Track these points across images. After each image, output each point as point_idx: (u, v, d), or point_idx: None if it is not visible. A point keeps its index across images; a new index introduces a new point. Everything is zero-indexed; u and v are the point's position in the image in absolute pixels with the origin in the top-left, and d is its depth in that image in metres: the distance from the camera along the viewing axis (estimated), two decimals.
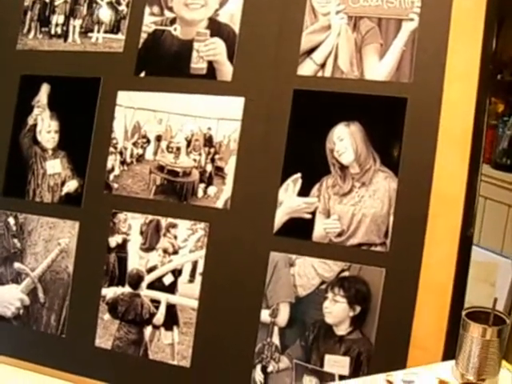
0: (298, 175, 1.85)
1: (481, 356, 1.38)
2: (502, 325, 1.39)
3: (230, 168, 1.92)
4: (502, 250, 2.97)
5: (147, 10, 2.05)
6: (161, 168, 1.99)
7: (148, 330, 1.99)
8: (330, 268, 1.80)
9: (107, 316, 2.03)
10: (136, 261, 2.01)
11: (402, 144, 1.76)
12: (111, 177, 2.04)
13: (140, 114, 2.03)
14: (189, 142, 1.97)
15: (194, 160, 1.96)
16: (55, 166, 2.11)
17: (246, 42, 1.94)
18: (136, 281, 2.00)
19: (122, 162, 2.03)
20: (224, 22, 1.96)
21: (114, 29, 2.09)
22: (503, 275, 2.85)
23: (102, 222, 2.05)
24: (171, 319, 1.97)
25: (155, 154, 2.01)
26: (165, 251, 1.98)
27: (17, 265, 2.14)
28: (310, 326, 1.82)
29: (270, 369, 1.85)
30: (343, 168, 1.81)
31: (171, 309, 1.97)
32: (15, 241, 2.14)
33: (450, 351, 1.59)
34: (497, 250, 2.97)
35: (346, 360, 1.77)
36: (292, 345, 1.84)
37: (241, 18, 1.95)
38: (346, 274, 1.79)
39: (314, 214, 1.83)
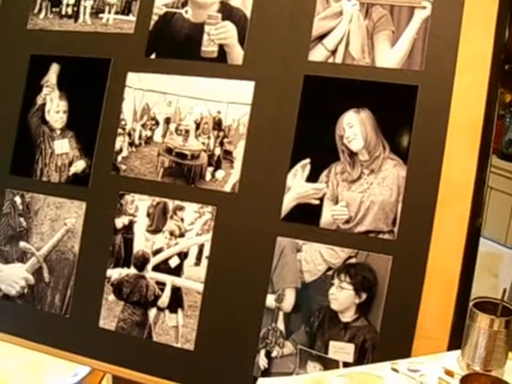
0: (307, 161, 1.84)
1: (487, 347, 1.38)
2: (510, 316, 1.39)
3: (238, 152, 1.91)
4: (506, 241, 2.98)
5: None
6: (169, 150, 1.99)
7: (152, 312, 1.99)
8: (336, 254, 1.80)
9: (112, 297, 2.03)
10: (142, 242, 2.01)
11: (412, 132, 1.75)
12: (119, 158, 2.04)
13: (149, 95, 2.02)
14: (198, 125, 1.97)
15: (203, 143, 1.95)
16: (63, 146, 2.10)
17: (257, 26, 1.93)
18: (141, 262, 2.00)
19: (131, 144, 2.03)
20: (235, 5, 1.95)
21: (125, 10, 2.08)
22: (507, 266, 2.86)
23: (108, 203, 2.05)
24: (176, 302, 1.97)
25: (164, 136, 2.00)
26: (171, 234, 1.98)
27: (22, 244, 2.14)
28: (316, 312, 1.82)
29: (274, 354, 1.86)
30: (352, 155, 1.81)
31: (176, 291, 1.97)
32: (21, 220, 2.14)
33: (456, 341, 1.59)
34: (501, 241, 2.97)
35: (351, 347, 1.78)
36: (297, 330, 1.84)
37: (252, 1, 1.94)
38: (353, 260, 1.79)
39: (321, 200, 1.83)
